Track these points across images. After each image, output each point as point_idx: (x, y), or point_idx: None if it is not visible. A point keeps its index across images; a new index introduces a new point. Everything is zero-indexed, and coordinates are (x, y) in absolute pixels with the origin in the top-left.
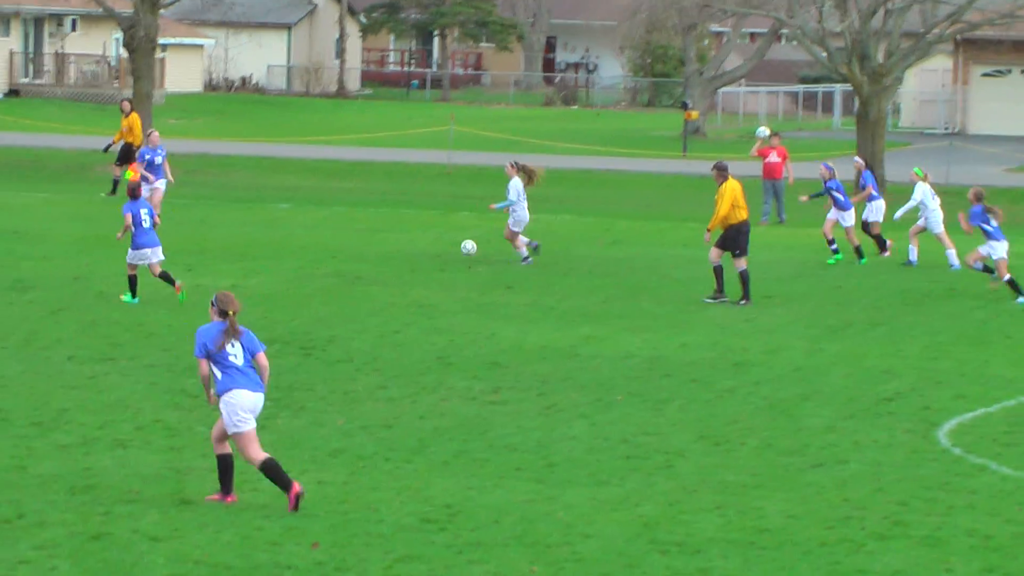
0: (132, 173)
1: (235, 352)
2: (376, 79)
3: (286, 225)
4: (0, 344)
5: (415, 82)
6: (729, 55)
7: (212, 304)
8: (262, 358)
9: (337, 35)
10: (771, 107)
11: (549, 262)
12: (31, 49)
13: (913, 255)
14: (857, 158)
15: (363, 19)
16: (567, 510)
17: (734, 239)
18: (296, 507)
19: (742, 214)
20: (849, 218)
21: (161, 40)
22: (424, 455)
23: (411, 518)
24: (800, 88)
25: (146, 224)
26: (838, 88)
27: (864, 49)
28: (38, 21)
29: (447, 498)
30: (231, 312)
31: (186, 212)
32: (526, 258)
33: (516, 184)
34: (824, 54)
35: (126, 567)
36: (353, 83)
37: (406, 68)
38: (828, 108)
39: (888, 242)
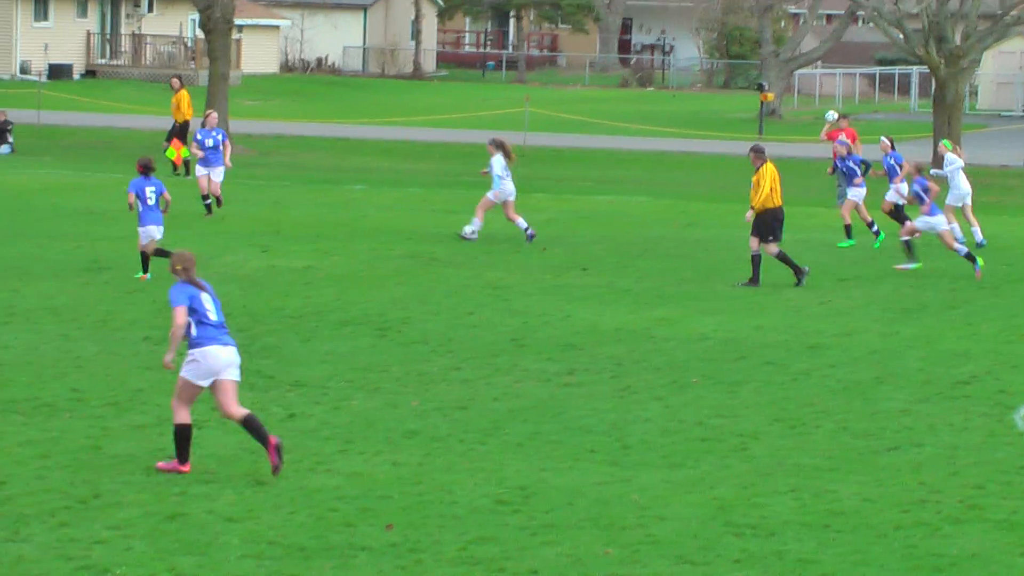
0: (175, 152)
1: (210, 307)
2: (452, 60)
3: (361, 206)
4: (76, 325)
5: (491, 63)
6: (805, 37)
7: (172, 268)
8: None
9: (413, 16)
10: (847, 89)
11: (624, 244)
12: (108, 30)
13: (978, 235)
14: (884, 138)
15: (439, 1)
16: (641, 492)
17: (769, 225)
18: (277, 464)
19: (777, 199)
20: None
21: (237, 21)
22: (498, 437)
23: (485, 500)
24: (877, 70)
25: (151, 202)
26: (915, 70)
27: (941, 31)
28: (115, 2)
29: (521, 480)
30: (186, 268)
31: (261, 193)
32: (527, 230)
33: (499, 160)
34: (901, 36)
35: (201, 547)
36: (429, 64)
37: (482, 49)
38: (905, 90)
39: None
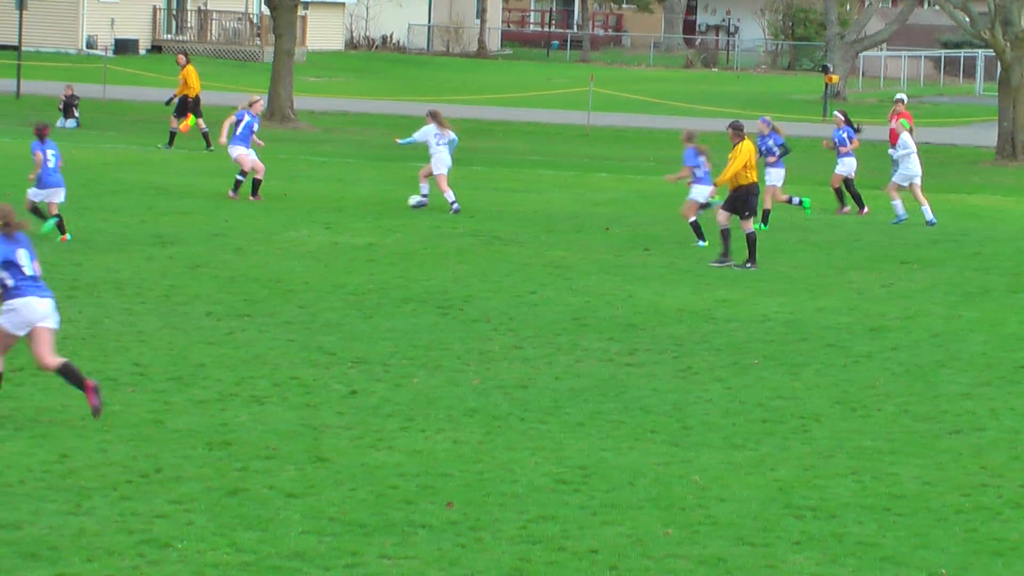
0: (184, 124)
1: (25, 263)
2: (516, 39)
3: None
4: (140, 299)
5: (555, 42)
6: (871, 19)
7: None
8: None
9: None
10: (912, 72)
11: (686, 224)
12: (174, 6)
13: (928, 214)
14: (837, 113)
15: None
16: (702, 473)
17: (744, 201)
18: (98, 405)
19: (752, 175)
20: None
21: None
22: (559, 416)
23: (545, 479)
24: (942, 53)
25: (51, 164)
26: (980, 53)
27: (1007, 14)
28: None
29: (581, 459)
30: (6, 223)
31: (324, 170)
32: (454, 203)
33: (429, 130)
34: (966, 19)
35: (262, 522)
36: (493, 43)
37: (547, 28)
38: (970, 73)
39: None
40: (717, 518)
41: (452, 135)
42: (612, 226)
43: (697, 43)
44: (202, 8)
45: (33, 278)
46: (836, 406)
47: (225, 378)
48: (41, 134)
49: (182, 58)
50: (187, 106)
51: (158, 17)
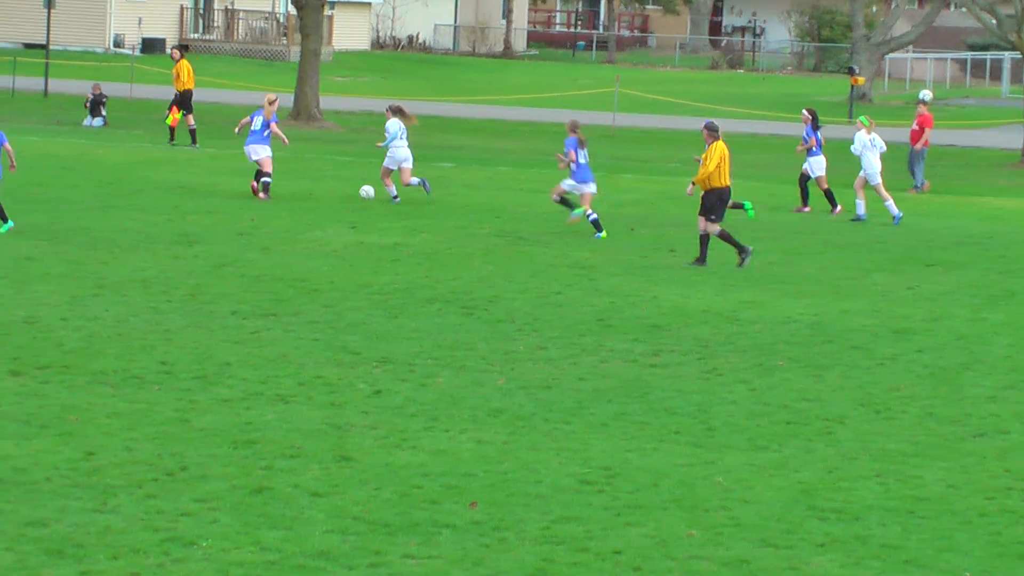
0: (173, 118)
1: None
2: (542, 40)
3: (449, 184)
4: (165, 298)
5: (581, 43)
6: (897, 21)
7: None
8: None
9: None
10: (938, 74)
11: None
12: (201, 5)
13: (861, 209)
14: (805, 111)
15: None
16: (725, 474)
17: (713, 204)
18: None
19: (725, 179)
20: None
21: None
22: (583, 416)
23: (569, 479)
24: (968, 55)
25: None
26: (1007, 56)
27: None
28: None
29: (605, 460)
30: None
31: (350, 170)
32: (395, 197)
33: (392, 124)
34: (993, 21)
35: (286, 521)
36: (519, 43)
37: (572, 29)
38: (996, 76)
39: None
40: (740, 520)
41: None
42: (637, 227)
43: (723, 44)
44: (229, 7)
45: None
46: (860, 408)
47: (250, 377)
48: None
49: (176, 52)
50: (185, 101)
51: (185, 16)
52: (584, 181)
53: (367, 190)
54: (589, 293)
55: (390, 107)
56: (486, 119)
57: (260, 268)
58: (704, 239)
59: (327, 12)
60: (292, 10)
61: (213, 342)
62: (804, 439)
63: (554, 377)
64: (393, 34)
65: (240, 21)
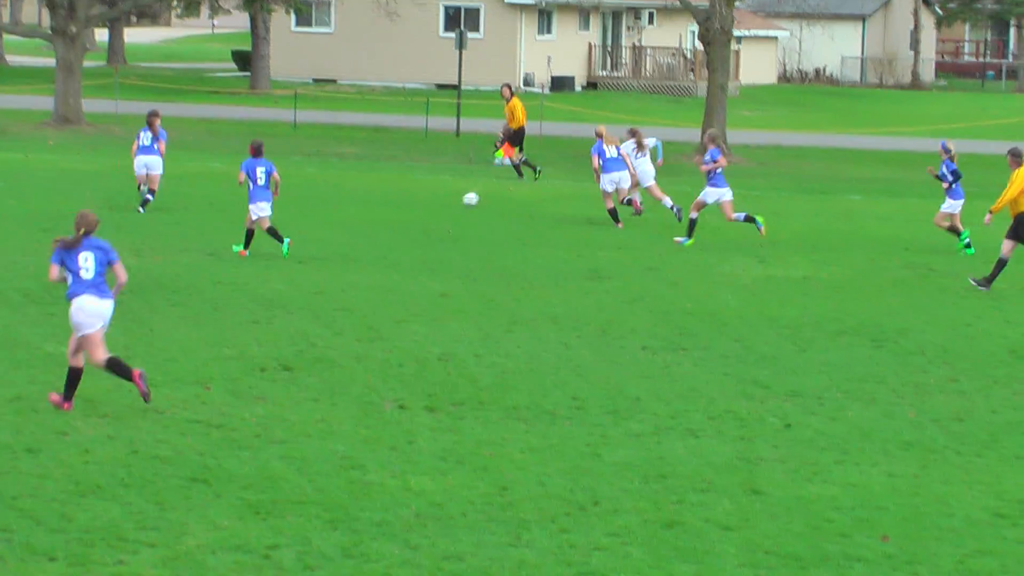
0: (506, 151)
1: (87, 266)
2: (950, 70)
3: (858, 216)
4: (576, 333)
5: (990, 73)
6: None
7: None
8: (119, 268)
9: (912, 26)
10: None
11: None
12: (609, 42)
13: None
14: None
15: (938, 10)
16: None
17: None
18: (146, 389)
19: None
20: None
21: (736, 32)
22: (996, 449)
23: (983, 512)
24: None
25: (260, 182)
26: None
27: None
28: (616, 15)
29: (1020, 493)
30: (81, 229)
31: (759, 203)
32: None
33: (628, 146)
34: None
35: (698, 555)
36: (927, 74)
37: (981, 59)
38: None
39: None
40: None
41: (651, 143)
42: None
43: None
44: (636, 45)
45: (91, 280)
46: None
47: (660, 411)
48: (256, 151)
49: (506, 91)
50: (514, 137)
51: (593, 54)
52: (716, 186)
53: (470, 197)
54: (1000, 324)
55: (629, 130)
56: (894, 150)
57: (669, 302)
58: (1001, 263)
59: (734, 47)
60: (699, 46)
61: (624, 377)
62: None
63: (966, 409)
64: (800, 67)
65: (647, 58)
